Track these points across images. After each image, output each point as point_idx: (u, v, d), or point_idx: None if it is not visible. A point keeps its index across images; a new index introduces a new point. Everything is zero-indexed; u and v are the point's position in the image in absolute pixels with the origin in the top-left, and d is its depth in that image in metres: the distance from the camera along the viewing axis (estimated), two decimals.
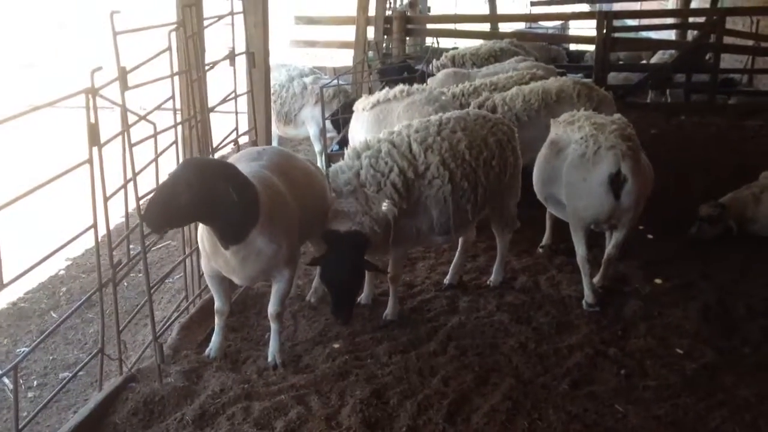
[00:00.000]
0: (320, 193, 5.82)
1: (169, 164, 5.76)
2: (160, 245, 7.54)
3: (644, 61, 17.41)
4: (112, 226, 5.00)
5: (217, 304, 5.49)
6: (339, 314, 5.42)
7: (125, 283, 6.61)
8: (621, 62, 16.91)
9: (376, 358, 5.55)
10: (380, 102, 7.80)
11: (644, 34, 21.05)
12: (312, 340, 5.82)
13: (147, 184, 5.21)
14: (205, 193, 4.51)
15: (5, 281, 3.88)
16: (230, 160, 5.44)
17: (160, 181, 4.95)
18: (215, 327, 5.55)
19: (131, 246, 5.27)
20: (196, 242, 5.87)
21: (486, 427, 4.77)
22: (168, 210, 4.53)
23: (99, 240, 4.69)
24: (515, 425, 4.80)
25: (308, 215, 5.46)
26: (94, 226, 4.60)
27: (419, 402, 5.00)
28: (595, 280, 6.57)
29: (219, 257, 4.99)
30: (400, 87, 7.79)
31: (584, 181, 6.19)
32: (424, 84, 8.78)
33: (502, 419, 4.85)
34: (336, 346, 5.73)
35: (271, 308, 5.33)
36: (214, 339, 5.56)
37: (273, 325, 5.38)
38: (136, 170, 4.93)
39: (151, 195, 4.12)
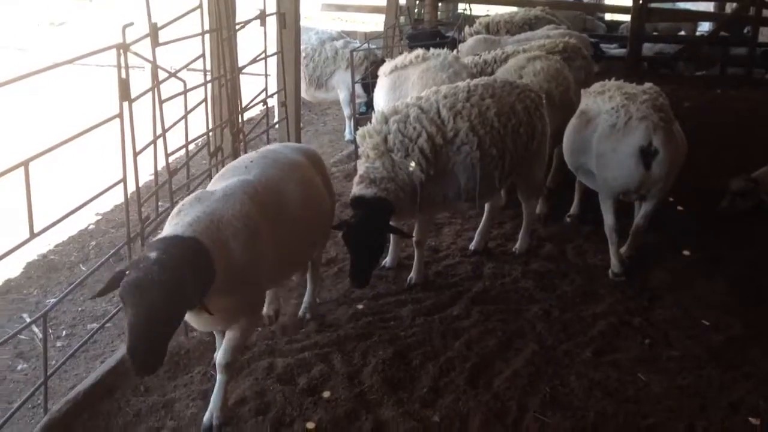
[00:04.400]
0: (322, 207, 5.03)
1: (198, 123, 5.80)
2: None
3: (682, 33, 17.10)
4: (141, 182, 5.05)
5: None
6: (357, 278, 5.43)
7: (153, 238, 6.67)
8: (656, 33, 16.61)
9: (400, 320, 5.58)
10: (398, 67, 7.74)
11: (682, 5, 20.64)
12: (336, 300, 5.86)
13: (176, 140, 5.24)
14: (178, 296, 3.52)
15: (36, 231, 3.93)
16: (218, 174, 4.64)
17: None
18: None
19: (159, 203, 5.31)
20: None
21: (507, 391, 4.79)
22: (158, 340, 3.53)
23: (128, 195, 4.74)
24: (536, 390, 4.81)
25: (303, 237, 4.73)
26: (124, 180, 4.64)
27: (441, 364, 5.03)
28: (623, 250, 6.52)
29: (190, 317, 4.16)
30: (416, 52, 7.71)
31: (614, 151, 6.12)
32: (455, 50, 8.68)
33: (524, 384, 4.87)
34: (360, 307, 5.76)
35: (220, 358, 4.33)
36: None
37: (219, 376, 4.37)
38: (166, 127, 4.96)
39: (129, 344, 3.39)
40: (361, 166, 5.65)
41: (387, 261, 6.41)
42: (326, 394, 4.68)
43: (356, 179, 5.60)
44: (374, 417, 4.49)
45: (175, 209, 4.09)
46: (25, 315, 5.60)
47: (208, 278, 3.72)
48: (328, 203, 5.18)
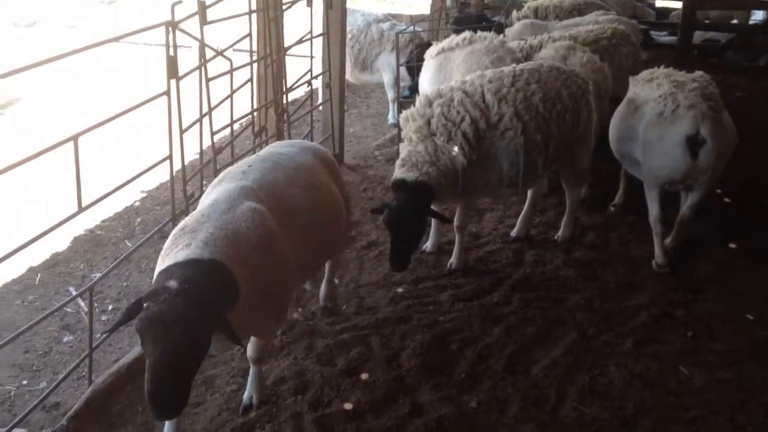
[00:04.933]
0: (334, 210, 4.58)
1: (243, 102, 5.84)
2: None
3: (734, 21, 16.71)
4: (186, 160, 5.11)
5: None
6: (397, 262, 5.43)
7: None
8: (707, 21, 16.26)
9: (439, 305, 5.57)
10: (444, 50, 7.69)
11: None
12: (376, 283, 5.87)
13: (221, 119, 5.28)
14: (204, 329, 3.21)
15: (83, 204, 4.00)
16: (214, 181, 4.24)
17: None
18: None
19: (204, 181, 5.36)
20: None
21: (545, 379, 4.76)
22: (183, 379, 3.19)
23: (173, 172, 4.79)
24: (575, 379, 4.78)
25: (314, 243, 4.29)
26: (170, 158, 4.70)
27: (479, 350, 5.02)
28: (667, 241, 6.42)
29: None
30: (463, 35, 7.64)
31: (661, 140, 6.02)
32: (502, 35, 8.60)
33: (562, 372, 4.84)
34: (399, 290, 5.77)
35: (251, 352, 4.27)
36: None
37: (252, 366, 4.38)
38: (212, 105, 5.00)
39: (150, 386, 3.02)
40: (404, 150, 5.64)
41: (427, 245, 6.40)
42: (364, 376, 4.70)
43: (398, 162, 5.59)
44: (411, 400, 4.51)
45: (178, 227, 3.65)
46: (71, 288, 5.71)
47: (232, 299, 3.40)
48: (341, 205, 4.70)
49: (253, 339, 4.19)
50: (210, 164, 5.12)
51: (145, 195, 7.48)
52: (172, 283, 3.16)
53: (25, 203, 7.22)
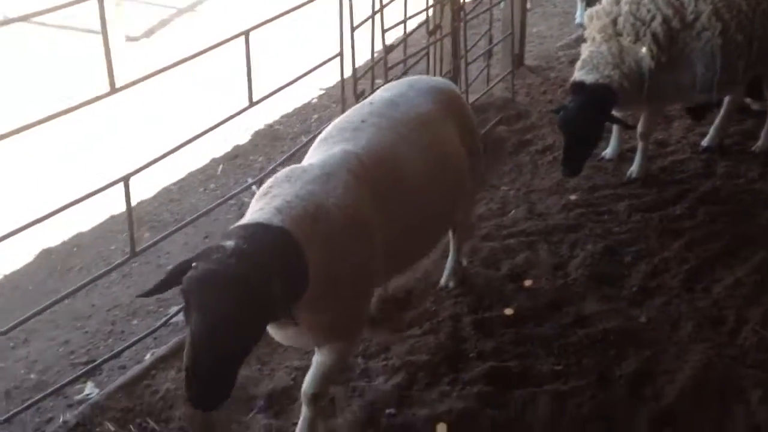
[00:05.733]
0: (457, 168, 3.81)
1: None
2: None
3: None
4: (358, 59, 5.06)
5: None
6: (568, 166, 5.19)
7: None
8: None
9: (614, 215, 5.29)
10: None
11: None
12: (548, 189, 5.66)
13: (394, 17, 5.17)
14: (261, 300, 2.60)
15: (254, 99, 4.08)
16: (317, 140, 3.53)
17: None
18: None
19: (376, 80, 5.32)
20: (442, 76, 5.82)
21: (727, 299, 4.42)
22: (229, 360, 2.65)
23: (344, 70, 4.78)
24: (760, 302, 4.40)
25: (428, 214, 3.59)
26: (340, 55, 4.67)
27: (655, 264, 4.74)
28: None
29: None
30: None
31: None
32: None
33: (746, 293, 4.47)
34: (573, 197, 5.53)
35: (307, 387, 3.34)
36: None
37: (304, 409, 3.42)
38: (384, 2, 4.90)
39: (190, 361, 2.54)
40: (585, 50, 5.32)
41: (607, 152, 6.05)
42: (528, 282, 4.58)
43: (578, 63, 5.29)
44: (576, 310, 4.35)
45: (263, 187, 3.10)
46: (249, 179, 5.95)
47: (299, 284, 2.79)
48: (464, 161, 3.86)
49: (314, 365, 3.33)
50: (381, 62, 5.04)
51: (322, 92, 7.58)
52: (229, 243, 2.63)
53: (202, 96, 7.54)
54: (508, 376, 3.87)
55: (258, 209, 2.91)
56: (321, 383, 3.32)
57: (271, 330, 3.06)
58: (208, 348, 2.51)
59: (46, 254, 5.39)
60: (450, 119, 3.82)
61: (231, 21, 9.20)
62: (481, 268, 4.68)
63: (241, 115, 4.10)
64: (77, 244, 5.47)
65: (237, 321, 2.52)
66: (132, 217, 3.65)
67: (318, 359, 3.29)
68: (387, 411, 3.67)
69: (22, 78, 8.11)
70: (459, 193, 3.85)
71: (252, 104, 4.09)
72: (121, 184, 3.57)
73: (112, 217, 5.71)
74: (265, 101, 4.22)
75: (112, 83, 3.15)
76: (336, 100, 7.24)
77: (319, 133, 4.80)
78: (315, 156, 3.32)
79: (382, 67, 5.11)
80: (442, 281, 4.53)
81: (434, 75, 5.84)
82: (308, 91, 7.36)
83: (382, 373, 3.92)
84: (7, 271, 5.20)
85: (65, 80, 7.83)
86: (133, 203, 3.78)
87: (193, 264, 2.59)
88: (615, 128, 5.94)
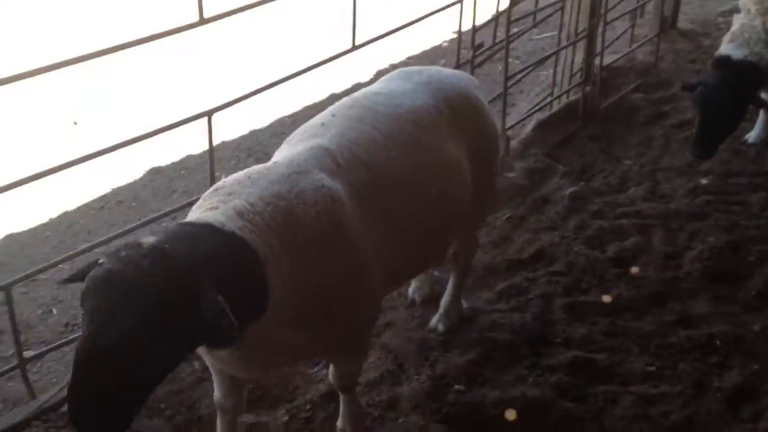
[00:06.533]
0: (453, 184, 3.09)
1: None
2: (537, 36, 7.11)
3: None
4: (480, 8, 4.74)
5: (216, 395, 2.98)
6: (699, 147, 4.71)
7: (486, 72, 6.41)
8: None
9: (746, 207, 4.78)
10: None
11: None
12: (677, 169, 5.19)
13: None
14: (175, 316, 1.99)
15: (357, 43, 3.87)
16: (287, 139, 2.95)
17: None
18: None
19: (498, 32, 4.98)
20: (575, 35, 5.41)
21: None
22: (124, 387, 2.00)
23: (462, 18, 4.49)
24: None
25: (417, 231, 2.94)
26: (459, 1, 4.38)
27: None
28: None
29: (205, 354, 2.60)
30: None
31: None
32: None
33: None
34: (703, 182, 5.04)
35: (334, 379, 3.07)
36: None
37: (342, 396, 3.14)
38: None
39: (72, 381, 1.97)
40: (737, 21, 4.81)
41: (751, 135, 5.47)
42: (634, 269, 4.22)
43: (727, 36, 4.79)
44: (683, 308, 3.97)
45: (217, 185, 2.55)
46: None
47: (252, 305, 2.23)
48: (463, 172, 3.14)
49: (332, 374, 3.06)
50: (504, 15, 4.69)
51: (454, 36, 7.27)
52: (149, 240, 2.07)
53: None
54: (592, 369, 3.59)
55: (208, 207, 2.38)
56: (347, 376, 3.04)
57: (236, 361, 2.51)
58: (89, 371, 1.93)
59: (155, 173, 5.48)
60: (453, 121, 3.12)
61: None
62: (584, 247, 4.35)
63: (343, 60, 3.89)
64: (185, 166, 5.52)
65: (134, 341, 1.92)
66: (213, 153, 3.54)
67: (332, 371, 3.04)
68: (456, 387, 3.48)
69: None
70: (454, 208, 3.13)
71: (354, 48, 3.87)
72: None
73: (223, 143, 5.73)
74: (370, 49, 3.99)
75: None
76: (465, 45, 6.96)
77: None
78: (278, 156, 2.82)
79: (504, 20, 4.75)
80: (432, 321, 3.81)
81: (567, 33, 5.43)
82: (440, 34, 7.06)
83: (458, 345, 3.72)
84: (115, 185, 5.31)
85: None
86: None
87: (100, 261, 2.04)
88: (762, 112, 5.36)
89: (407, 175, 2.84)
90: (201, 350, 2.44)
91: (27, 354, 3.29)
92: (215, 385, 2.92)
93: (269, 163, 2.68)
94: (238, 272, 2.16)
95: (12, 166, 3.84)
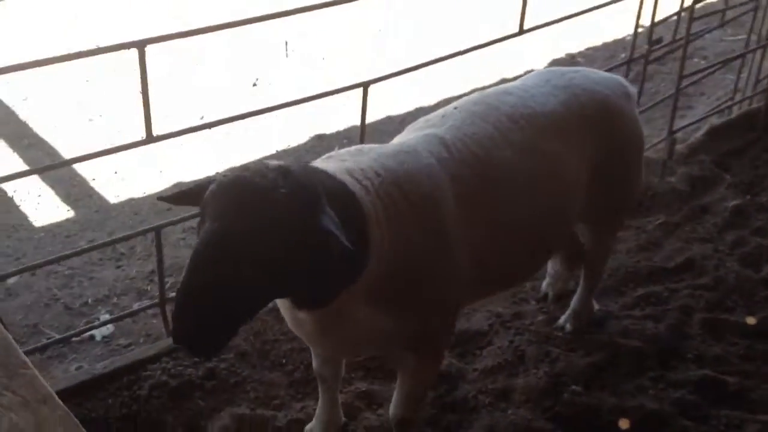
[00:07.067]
0: (561, 197, 2.98)
1: None
2: (730, 37, 6.68)
3: None
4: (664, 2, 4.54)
5: (314, 363, 3.04)
6: None
7: (668, 69, 6.11)
8: None
9: None
10: None
11: None
12: None
13: None
14: (295, 245, 2.04)
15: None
16: (411, 126, 2.91)
17: None
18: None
19: (680, 29, 4.75)
20: (766, 38, 5.07)
21: None
22: (240, 297, 2.05)
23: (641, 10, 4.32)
24: None
25: (530, 234, 2.89)
26: None
27: None
28: None
29: (287, 311, 2.58)
30: None
31: None
32: None
33: None
34: None
35: (394, 409, 2.89)
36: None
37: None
38: None
39: (182, 286, 1.99)
40: None
41: None
42: None
43: None
44: None
45: (325, 156, 2.61)
46: None
47: (358, 255, 2.21)
48: (582, 187, 3.01)
49: (398, 386, 2.87)
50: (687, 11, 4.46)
51: (640, 30, 7.01)
52: (275, 162, 2.13)
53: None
54: (720, 391, 3.41)
55: (323, 159, 2.52)
56: (408, 405, 2.85)
57: (314, 334, 2.53)
58: (207, 263, 1.95)
59: (318, 139, 5.71)
60: (583, 130, 2.97)
61: None
62: (737, 264, 4.10)
63: (516, 46, 3.89)
64: (347, 136, 5.70)
65: (258, 238, 1.95)
66: (364, 123, 3.66)
67: (399, 380, 2.87)
68: (572, 387, 3.43)
69: None
70: (559, 220, 3.03)
71: (521, 32, 3.84)
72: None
73: (389, 117, 5.88)
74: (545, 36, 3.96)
75: None
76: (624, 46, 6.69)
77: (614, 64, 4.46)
78: (396, 140, 2.83)
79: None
80: (561, 319, 3.76)
81: (758, 35, 5.08)
82: (600, 34, 6.83)
83: (583, 346, 3.66)
84: (280, 148, 5.59)
85: None
86: None
87: (216, 179, 2.10)
88: None
89: (517, 179, 2.78)
90: (285, 313, 2.56)
91: (170, 295, 3.52)
92: (312, 353, 3.02)
93: (387, 145, 2.73)
94: (347, 218, 2.16)
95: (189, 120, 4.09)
